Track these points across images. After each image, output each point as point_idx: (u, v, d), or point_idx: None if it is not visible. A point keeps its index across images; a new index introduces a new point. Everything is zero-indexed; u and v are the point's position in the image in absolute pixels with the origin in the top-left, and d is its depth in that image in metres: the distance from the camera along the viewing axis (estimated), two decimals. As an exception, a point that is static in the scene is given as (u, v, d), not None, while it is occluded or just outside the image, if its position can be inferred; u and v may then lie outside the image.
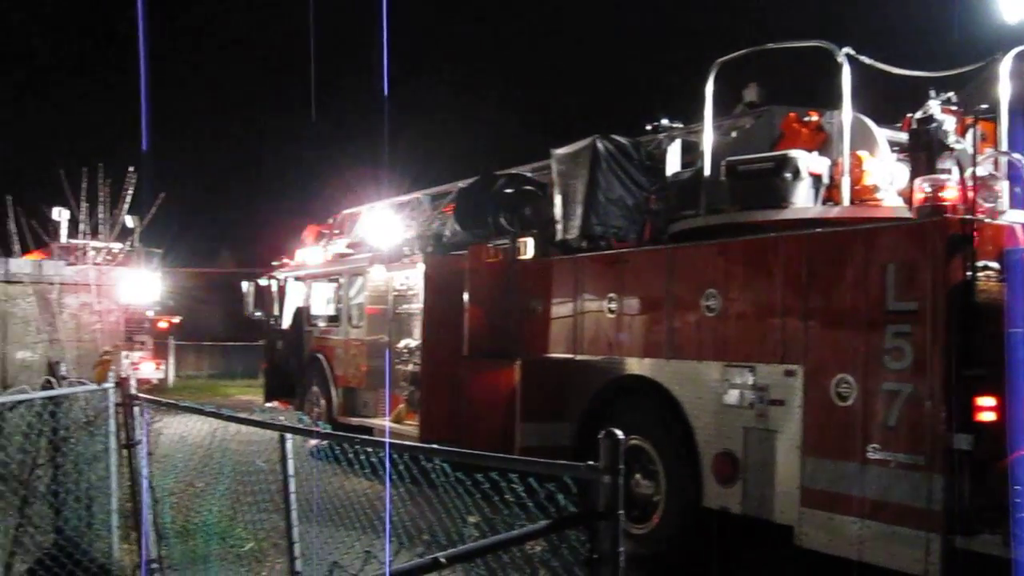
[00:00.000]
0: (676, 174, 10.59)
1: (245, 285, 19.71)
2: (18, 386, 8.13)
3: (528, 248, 11.84)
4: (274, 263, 19.36)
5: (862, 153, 9.03)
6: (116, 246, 14.27)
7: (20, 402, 7.79)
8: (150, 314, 25.09)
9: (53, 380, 8.21)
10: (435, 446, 4.34)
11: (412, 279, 13.75)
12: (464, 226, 13.01)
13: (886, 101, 10.08)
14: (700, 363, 9.07)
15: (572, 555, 3.80)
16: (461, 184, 14.18)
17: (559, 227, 11.18)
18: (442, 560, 3.07)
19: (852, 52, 8.81)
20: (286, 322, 18.06)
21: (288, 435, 6.01)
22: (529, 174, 13.08)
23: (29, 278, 8.50)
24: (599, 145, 10.79)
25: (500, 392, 11.15)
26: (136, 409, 7.46)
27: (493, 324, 11.76)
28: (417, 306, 13.46)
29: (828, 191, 9.06)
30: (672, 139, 11.04)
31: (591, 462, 3.60)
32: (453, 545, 4.69)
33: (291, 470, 6.03)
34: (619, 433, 3.55)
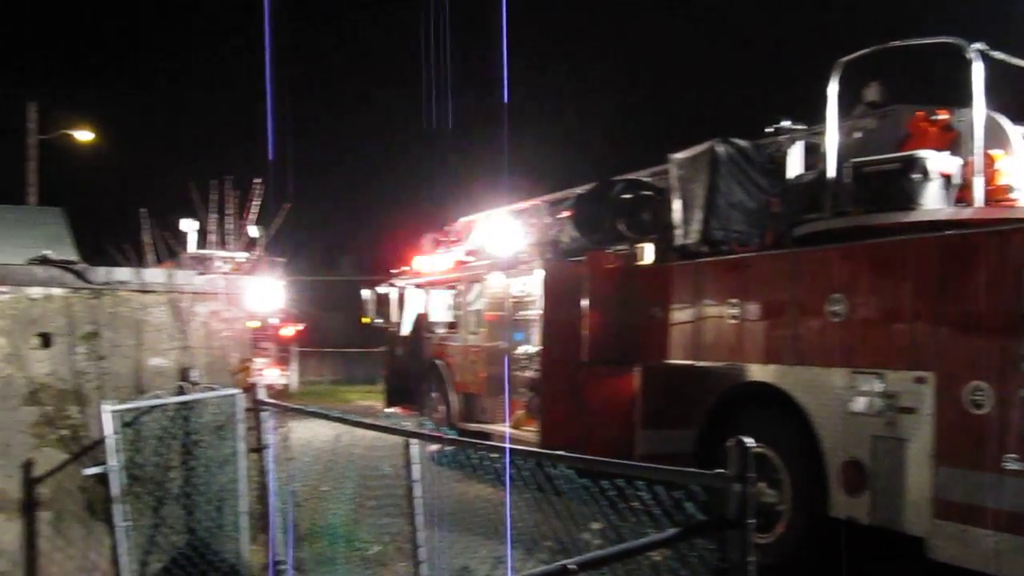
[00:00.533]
0: (798, 176, 10.40)
1: (366, 293, 20.04)
2: (152, 391, 8.40)
3: (647, 254, 11.78)
4: (393, 271, 19.62)
5: (995, 152, 8.72)
6: (241, 256, 14.66)
7: (155, 407, 8.06)
8: (274, 321, 25.72)
9: (186, 385, 8.46)
10: (560, 452, 4.33)
11: (530, 285, 13.78)
12: (582, 232, 13.00)
13: (1020, 97, 9.73)
14: (825, 369, 8.87)
15: (701, 563, 3.75)
16: (578, 190, 14.17)
17: (679, 232, 11.08)
18: (571, 567, 3.05)
19: (984, 47, 8.52)
20: (405, 329, 18.28)
21: (413, 440, 6.07)
22: (647, 179, 13.00)
23: (162, 287, 8.76)
24: (718, 149, 10.66)
25: (619, 398, 11.10)
26: (264, 414, 7.64)
27: (612, 330, 11.71)
28: (535, 312, 13.49)
29: (960, 192, 8.77)
30: (793, 141, 10.84)
31: (720, 470, 3.55)
32: (577, 552, 4.67)
33: (416, 475, 6.09)
34: (749, 440, 3.49)
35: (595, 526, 5.39)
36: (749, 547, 3.44)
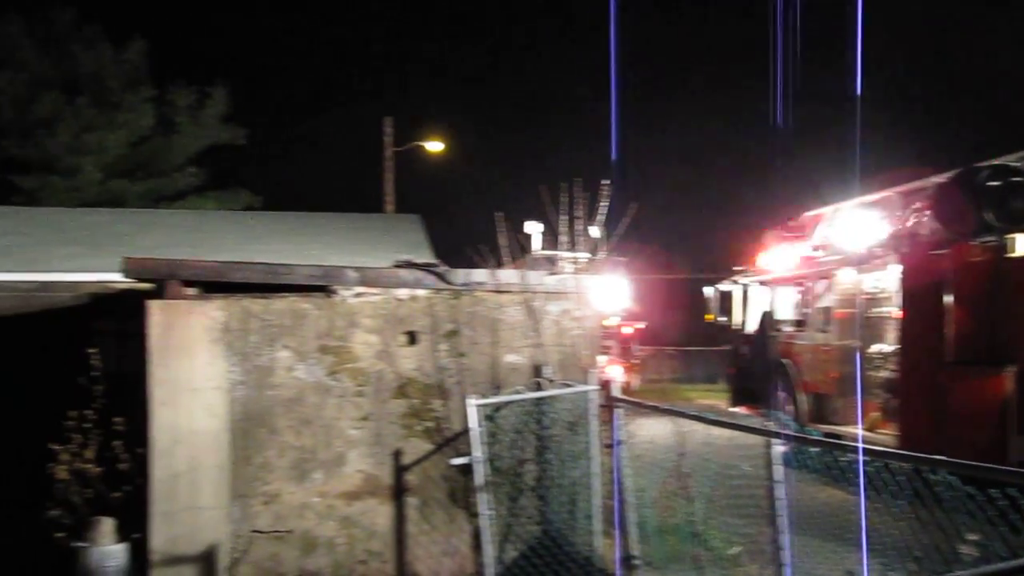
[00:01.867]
0: None
1: (708, 290, 19.87)
2: (507, 388, 8.73)
3: (1019, 245, 10.85)
4: (736, 268, 19.32)
5: None
6: (584, 256, 14.92)
7: (511, 402, 8.36)
8: (616, 320, 26.03)
9: (543, 381, 8.72)
10: (941, 458, 4.04)
11: (884, 281, 13.09)
12: (944, 224, 12.16)
13: None
14: None
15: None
16: (937, 179, 13.28)
17: (1059, 221, 10.14)
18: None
19: None
20: (749, 327, 17.94)
21: (775, 440, 5.91)
22: (1017, 164, 11.96)
23: (516, 288, 9.09)
24: (1106, 126, 9.64)
25: (989, 401, 10.31)
26: (618, 411, 7.72)
27: (980, 328, 10.90)
28: (890, 310, 12.80)
29: None
30: None
31: None
32: (959, 565, 4.35)
33: (778, 475, 5.92)
34: None
35: (972, 537, 5.00)
36: None
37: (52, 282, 14.09)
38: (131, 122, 32.97)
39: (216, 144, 34.93)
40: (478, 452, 7.63)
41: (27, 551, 9.21)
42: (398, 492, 8.68)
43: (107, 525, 8.58)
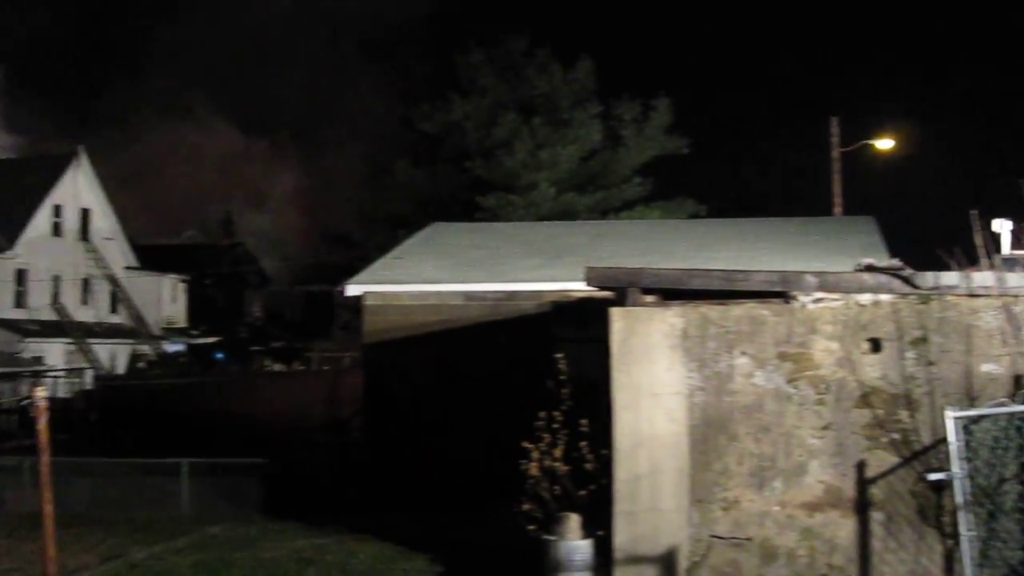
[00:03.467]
0: None
1: None
2: (983, 399, 8.07)
3: None
4: None
5: None
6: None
7: (995, 415, 7.72)
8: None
9: (1026, 393, 7.98)
10: None
11: None
12: None
13: None
14: None
15: None
16: None
17: None
18: None
19: None
20: None
21: None
22: None
23: (993, 291, 8.41)
24: None
25: None
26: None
27: None
28: None
29: None
30: None
31: None
32: None
33: None
34: None
35: None
36: None
37: (517, 291, 15.17)
38: (581, 138, 34.67)
39: (660, 155, 35.74)
40: (957, 468, 7.10)
41: (503, 539, 9.92)
42: (861, 506, 8.34)
43: (574, 521, 9.01)
